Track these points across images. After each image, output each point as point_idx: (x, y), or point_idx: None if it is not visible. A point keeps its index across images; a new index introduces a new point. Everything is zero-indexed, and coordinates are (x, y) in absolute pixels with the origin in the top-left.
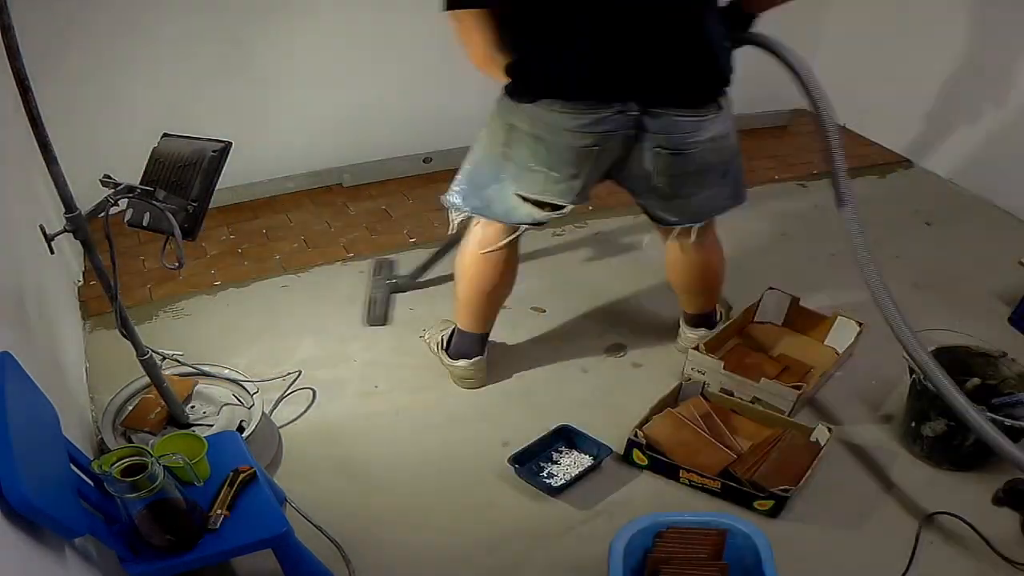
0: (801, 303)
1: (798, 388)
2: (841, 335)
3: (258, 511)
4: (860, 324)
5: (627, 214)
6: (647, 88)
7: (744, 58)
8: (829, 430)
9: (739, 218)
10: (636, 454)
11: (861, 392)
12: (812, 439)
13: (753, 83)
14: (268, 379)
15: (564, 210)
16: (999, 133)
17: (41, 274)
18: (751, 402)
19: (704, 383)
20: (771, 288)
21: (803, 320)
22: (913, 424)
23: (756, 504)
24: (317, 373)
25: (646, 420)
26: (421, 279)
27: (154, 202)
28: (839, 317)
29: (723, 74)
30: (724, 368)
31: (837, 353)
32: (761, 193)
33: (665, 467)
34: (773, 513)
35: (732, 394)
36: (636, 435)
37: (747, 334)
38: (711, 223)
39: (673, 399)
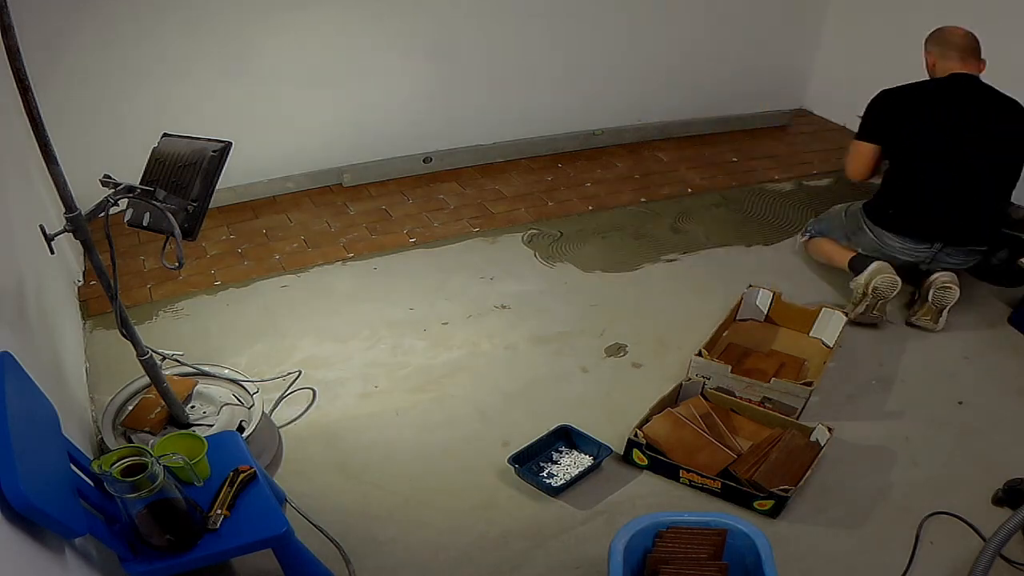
0: (783, 297)
1: (809, 384)
2: (826, 326)
3: (258, 511)
4: (846, 314)
5: (624, 215)
6: (947, 237)
7: (745, 58)
8: (829, 430)
9: (738, 219)
10: (636, 454)
11: (861, 392)
12: (812, 439)
13: (753, 83)
14: (268, 379)
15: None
16: None
17: (41, 274)
18: (760, 403)
19: (704, 383)
20: (751, 285)
21: (786, 314)
22: None
23: (756, 504)
24: (317, 373)
25: (646, 420)
26: None
27: (154, 202)
28: (824, 309)
29: (984, 234)
30: (731, 372)
31: (825, 344)
32: (760, 192)
33: (665, 467)
34: (773, 513)
35: (733, 394)
36: (636, 435)
37: (733, 333)
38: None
39: (673, 399)
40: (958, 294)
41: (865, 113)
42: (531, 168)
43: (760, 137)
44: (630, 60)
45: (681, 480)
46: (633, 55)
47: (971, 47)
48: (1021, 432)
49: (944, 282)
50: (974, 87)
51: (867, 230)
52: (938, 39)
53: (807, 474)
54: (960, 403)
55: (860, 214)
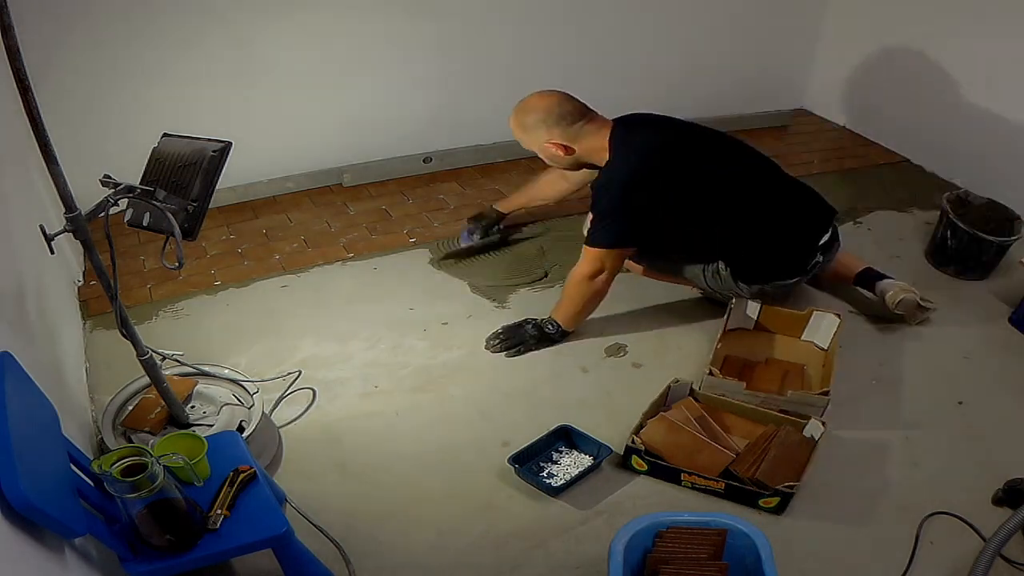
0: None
1: (826, 394)
2: (817, 328)
3: (258, 511)
4: (839, 316)
5: None
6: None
7: (744, 58)
8: (823, 424)
9: None
10: (635, 460)
11: (861, 392)
12: (806, 435)
13: (753, 83)
14: (268, 379)
15: None
16: (1002, 135)
17: (41, 274)
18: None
19: (692, 385)
20: (738, 295)
21: (776, 319)
22: None
23: (761, 502)
24: (317, 373)
25: (640, 426)
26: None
27: (154, 202)
28: (814, 312)
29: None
30: (746, 388)
31: (818, 347)
32: None
33: (666, 472)
34: (779, 510)
35: (727, 398)
36: (633, 442)
37: (726, 345)
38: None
39: (662, 402)
40: (917, 299)
41: (619, 216)
42: (531, 168)
43: (760, 137)
44: (629, 61)
45: (683, 483)
46: (632, 56)
47: (580, 105)
48: (1021, 432)
49: (906, 310)
50: (656, 123)
51: (744, 292)
52: (547, 119)
53: (809, 468)
54: (960, 403)
55: (731, 279)
